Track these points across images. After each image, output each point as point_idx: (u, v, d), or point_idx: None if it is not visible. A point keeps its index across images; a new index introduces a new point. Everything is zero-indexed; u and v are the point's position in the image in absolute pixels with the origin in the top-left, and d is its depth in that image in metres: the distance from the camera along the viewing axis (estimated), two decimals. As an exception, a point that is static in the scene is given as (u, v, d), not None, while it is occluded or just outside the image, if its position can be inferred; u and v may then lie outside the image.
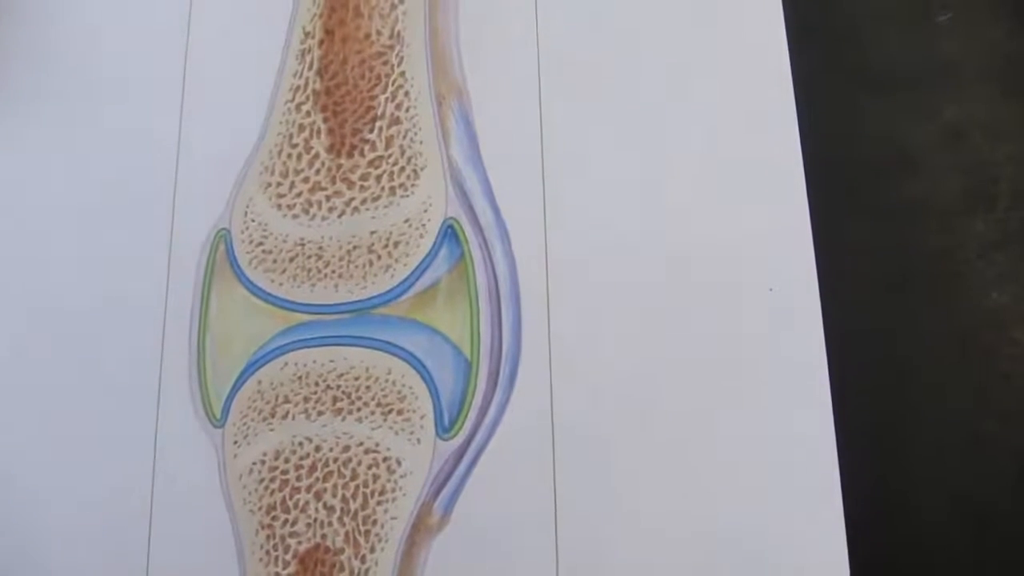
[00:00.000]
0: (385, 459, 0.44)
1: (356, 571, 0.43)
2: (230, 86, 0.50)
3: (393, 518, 0.43)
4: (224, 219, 0.48)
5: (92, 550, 0.45)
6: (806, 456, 0.40)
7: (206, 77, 0.50)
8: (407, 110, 0.48)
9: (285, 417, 0.45)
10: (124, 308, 0.48)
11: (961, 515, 0.40)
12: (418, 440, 0.44)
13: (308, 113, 0.49)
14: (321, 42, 0.50)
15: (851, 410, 0.41)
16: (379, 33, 0.49)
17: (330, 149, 0.48)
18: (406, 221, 0.46)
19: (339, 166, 0.48)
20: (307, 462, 0.44)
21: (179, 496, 0.45)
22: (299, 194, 0.48)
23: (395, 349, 0.45)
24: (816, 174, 0.43)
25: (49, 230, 0.50)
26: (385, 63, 0.49)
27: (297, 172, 0.48)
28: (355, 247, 0.46)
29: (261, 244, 0.47)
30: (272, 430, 0.45)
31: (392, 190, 0.47)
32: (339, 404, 0.45)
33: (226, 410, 0.46)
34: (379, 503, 0.43)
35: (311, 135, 0.48)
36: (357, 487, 0.44)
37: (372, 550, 0.43)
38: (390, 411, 0.44)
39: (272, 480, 0.45)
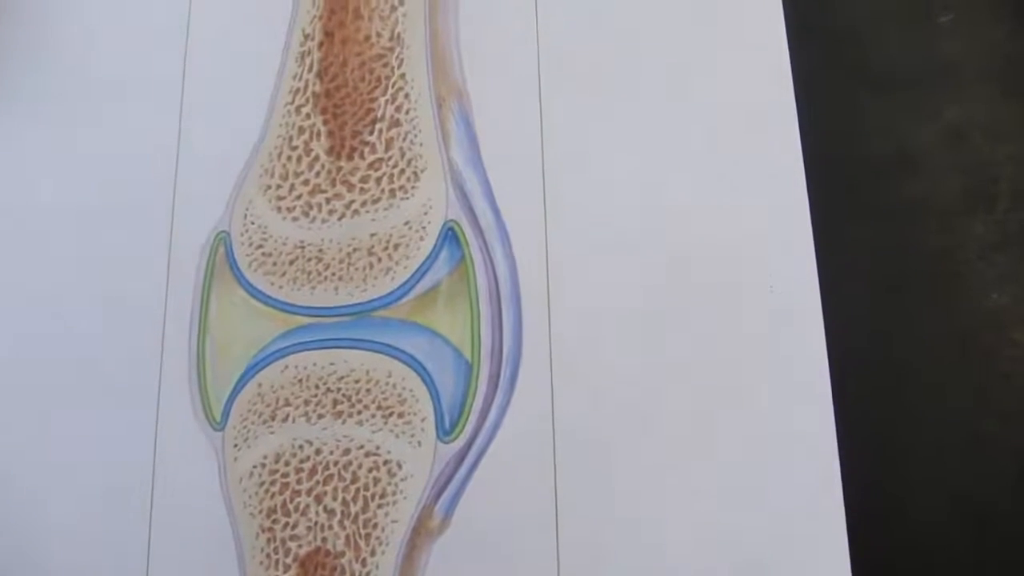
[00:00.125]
0: (386, 462, 0.44)
1: (357, 574, 0.43)
2: (230, 88, 0.50)
3: (394, 521, 0.43)
4: (224, 221, 0.48)
5: (92, 553, 0.45)
6: (807, 457, 0.41)
7: (206, 79, 0.50)
8: (407, 112, 0.48)
9: (285, 420, 0.45)
10: (123, 310, 0.48)
11: (962, 515, 0.40)
12: (419, 443, 0.44)
13: (308, 115, 0.48)
14: (321, 44, 0.49)
15: (852, 411, 0.41)
16: (379, 35, 0.49)
17: (330, 151, 0.48)
18: (406, 223, 0.46)
19: (339, 168, 0.47)
20: (307, 465, 0.44)
21: (179, 500, 0.45)
22: (299, 196, 0.48)
23: (396, 352, 0.45)
24: (817, 174, 0.43)
25: (49, 231, 0.50)
26: (385, 65, 0.48)
27: (297, 174, 0.48)
28: (355, 250, 0.46)
29: (261, 247, 0.47)
30: (272, 433, 0.45)
31: (392, 192, 0.47)
32: (340, 407, 0.45)
33: (226, 413, 0.46)
34: (380, 506, 0.43)
35: (311, 137, 0.48)
36: (358, 490, 0.44)
37: (373, 553, 0.43)
38: (391, 414, 0.44)
39: (272, 483, 0.45)
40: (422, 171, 0.47)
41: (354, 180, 0.47)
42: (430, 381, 0.44)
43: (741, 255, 0.43)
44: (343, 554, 0.43)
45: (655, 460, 0.42)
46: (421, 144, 0.47)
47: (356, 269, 0.46)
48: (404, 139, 0.47)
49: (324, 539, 0.43)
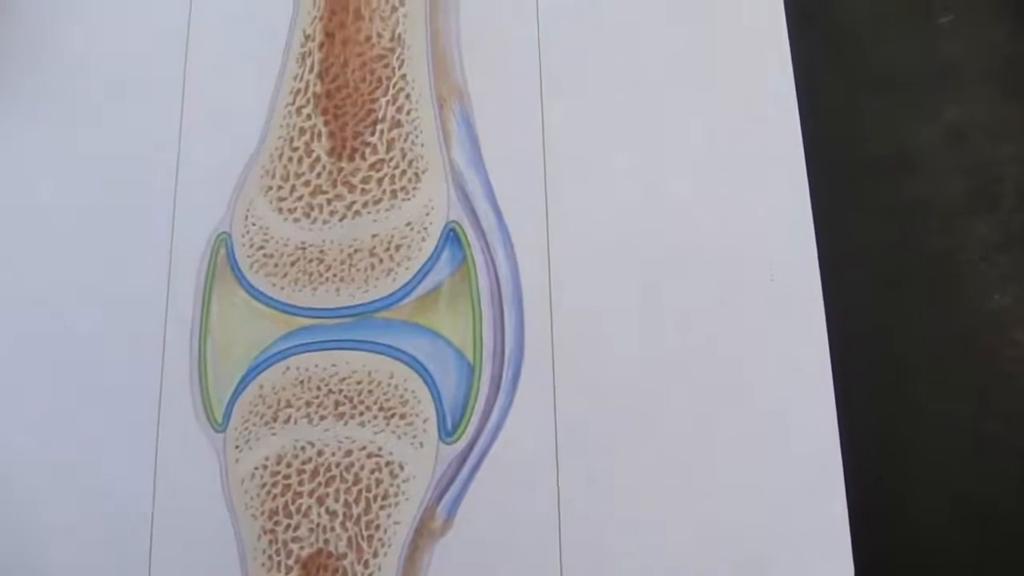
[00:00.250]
0: (388, 463, 0.44)
1: (359, 576, 0.43)
2: (230, 89, 0.50)
3: (396, 522, 0.43)
4: (225, 223, 0.48)
5: (93, 555, 0.45)
6: (809, 456, 0.41)
7: (206, 80, 0.50)
8: (408, 113, 0.47)
9: (287, 421, 0.45)
10: (124, 311, 0.47)
11: (964, 515, 0.40)
12: (421, 444, 0.44)
13: (309, 116, 0.48)
14: (321, 45, 0.49)
15: (854, 411, 0.41)
16: (380, 36, 0.49)
17: (331, 152, 0.48)
18: (408, 224, 0.46)
19: (340, 169, 0.47)
20: (309, 467, 0.44)
21: (180, 501, 0.45)
22: (300, 197, 0.47)
23: (397, 353, 0.45)
24: (818, 175, 0.43)
25: (49, 231, 0.50)
26: (386, 66, 0.48)
27: (298, 175, 0.48)
28: (356, 251, 0.46)
29: (262, 248, 0.47)
30: (274, 434, 0.45)
31: (393, 193, 0.47)
32: (341, 408, 0.45)
33: (227, 415, 0.46)
34: (382, 507, 0.43)
35: (312, 138, 0.48)
36: (360, 491, 0.44)
37: (375, 555, 0.43)
38: (392, 415, 0.44)
39: (274, 485, 0.44)
40: (423, 172, 0.47)
41: (355, 181, 0.47)
42: (432, 382, 0.44)
43: (743, 255, 0.43)
44: (345, 556, 0.43)
45: (657, 459, 0.42)
46: (422, 145, 0.47)
47: (357, 270, 0.46)
48: (405, 140, 0.47)
49: (326, 541, 0.43)
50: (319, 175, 0.48)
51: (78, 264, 0.49)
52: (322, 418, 0.45)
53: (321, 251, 0.47)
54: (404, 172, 0.47)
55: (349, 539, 0.43)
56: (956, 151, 0.44)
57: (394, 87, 0.48)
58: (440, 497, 0.43)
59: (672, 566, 0.41)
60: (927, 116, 0.45)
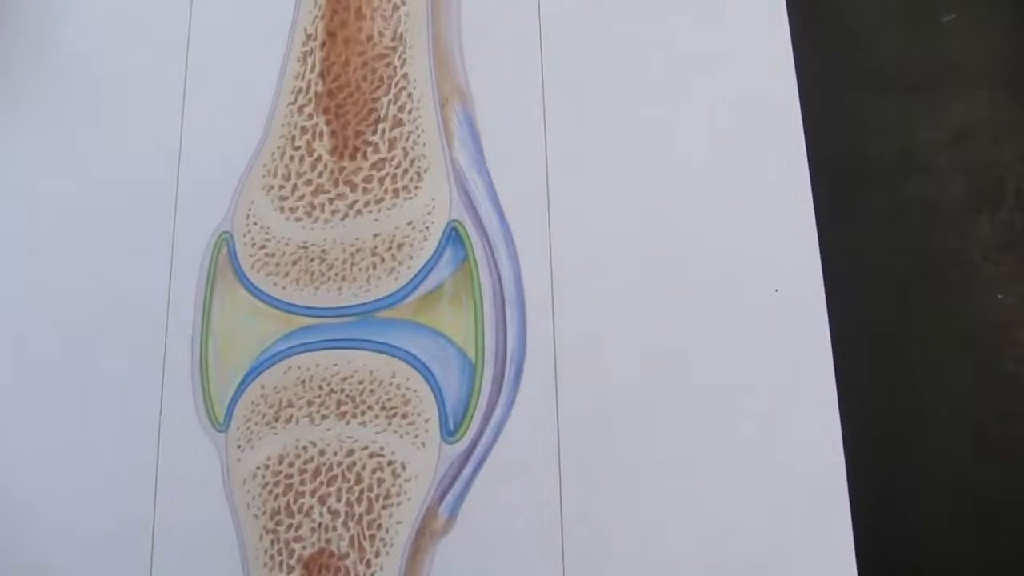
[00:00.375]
0: (390, 463, 0.44)
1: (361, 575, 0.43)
2: (232, 88, 0.50)
3: (398, 522, 0.43)
4: (226, 222, 0.48)
5: (95, 555, 0.45)
6: (813, 458, 0.41)
7: (208, 80, 0.50)
8: (410, 112, 0.47)
9: (289, 421, 0.45)
10: (126, 311, 0.47)
11: (967, 515, 0.40)
12: (423, 443, 0.44)
13: (310, 115, 0.48)
14: (323, 44, 0.49)
15: (857, 412, 0.41)
16: (381, 35, 0.49)
17: (333, 151, 0.48)
18: (409, 223, 0.46)
19: (342, 168, 0.47)
20: (311, 466, 0.44)
21: (182, 501, 0.45)
22: (302, 197, 0.47)
23: (399, 352, 0.45)
24: (821, 175, 0.43)
25: (50, 232, 0.50)
26: (388, 65, 0.48)
27: (300, 175, 0.48)
28: (358, 250, 0.46)
29: (264, 247, 0.47)
30: (276, 434, 0.45)
31: (395, 192, 0.47)
32: (343, 408, 0.45)
33: (229, 414, 0.46)
34: (384, 507, 0.43)
35: (313, 137, 0.48)
36: (362, 491, 0.44)
37: (377, 554, 0.43)
38: (394, 415, 0.44)
39: (276, 484, 0.44)
40: (425, 171, 0.47)
41: (357, 180, 0.47)
42: (434, 382, 0.44)
43: (745, 256, 0.43)
44: (347, 555, 0.43)
45: (659, 459, 0.42)
46: (424, 144, 0.47)
47: (359, 269, 0.46)
48: (407, 139, 0.47)
49: (328, 540, 0.43)
50: (321, 174, 0.48)
51: (79, 264, 0.49)
52: (324, 418, 0.45)
53: (323, 250, 0.46)
54: (406, 171, 0.47)
55: (351, 539, 0.43)
56: (959, 151, 0.44)
57: (396, 86, 0.48)
58: (442, 497, 0.43)
59: (674, 565, 0.41)
60: (930, 116, 0.45)
